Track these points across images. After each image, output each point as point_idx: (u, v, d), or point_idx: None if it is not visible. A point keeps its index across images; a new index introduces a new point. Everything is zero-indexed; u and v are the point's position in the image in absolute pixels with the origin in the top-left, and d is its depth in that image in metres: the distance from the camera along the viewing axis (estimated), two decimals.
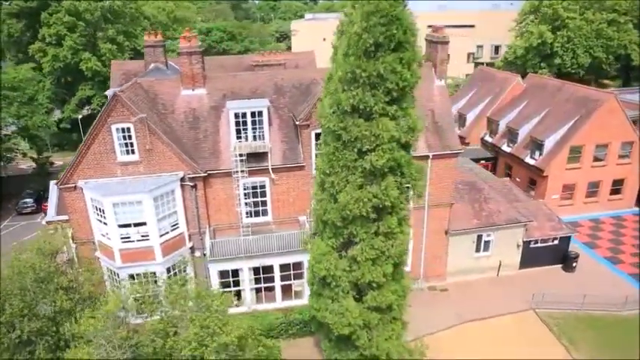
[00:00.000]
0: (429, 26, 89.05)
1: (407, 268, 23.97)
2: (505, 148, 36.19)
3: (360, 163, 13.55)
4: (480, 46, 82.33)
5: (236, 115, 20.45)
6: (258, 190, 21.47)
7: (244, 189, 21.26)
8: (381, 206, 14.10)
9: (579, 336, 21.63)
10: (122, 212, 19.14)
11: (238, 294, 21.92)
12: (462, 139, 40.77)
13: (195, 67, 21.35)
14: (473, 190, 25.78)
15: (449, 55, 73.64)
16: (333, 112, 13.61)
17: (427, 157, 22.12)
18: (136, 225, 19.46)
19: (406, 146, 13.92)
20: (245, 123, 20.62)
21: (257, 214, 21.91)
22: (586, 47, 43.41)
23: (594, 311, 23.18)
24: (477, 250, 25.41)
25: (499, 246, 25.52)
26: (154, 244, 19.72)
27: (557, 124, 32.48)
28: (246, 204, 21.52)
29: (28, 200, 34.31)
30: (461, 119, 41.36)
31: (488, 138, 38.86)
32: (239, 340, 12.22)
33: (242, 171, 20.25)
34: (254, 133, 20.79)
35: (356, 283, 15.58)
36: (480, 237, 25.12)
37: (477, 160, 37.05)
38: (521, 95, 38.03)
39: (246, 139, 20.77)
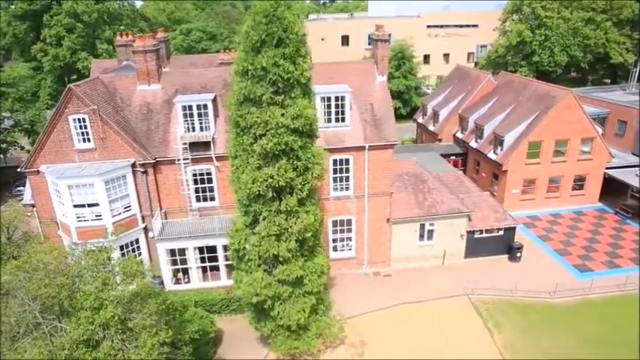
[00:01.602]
0: (429, 26, 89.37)
1: (350, 253, 25.69)
2: (473, 144, 37.20)
3: (255, 147, 15.25)
4: (483, 46, 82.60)
5: (183, 108, 22.37)
6: (205, 177, 23.35)
7: (193, 175, 23.18)
8: (278, 186, 15.73)
9: (505, 320, 22.73)
10: (77, 194, 21.29)
11: (186, 272, 23.88)
12: (434, 135, 42.11)
13: (150, 65, 23.40)
14: (417, 180, 27.07)
15: (448, 54, 74.22)
16: (234, 102, 15.36)
17: (364, 147, 23.63)
18: (89, 205, 21.60)
19: (300, 132, 15.50)
20: (192, 115, 22.53)
21: (205, 199, 23.78)
22: (562, 46, 43.82)
23: (527, 298, 24.21)
24: (421, 238, 26.67)
25: (443, 235, 26.72)
26: (106, 223, 21.81)
27: (517, 120, 33.38)
28: (195, 189, 23.44)
29: (22, 188, 37.06)
30: (435, 116, 42.45)
31: (459, 134, 39.89)
32: (134, 295, 14.01)
33: (186, 159, 22.17)
34: (200, 124, 22.67)
35: (267, 258, 17.24)
36: (423, 226, 26.38)
37: (446, 156, 38.27)
38: (492, 93, 38.94)
39: (193, 130, 22.68)
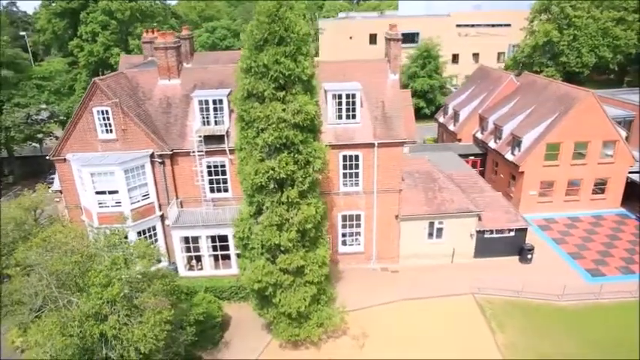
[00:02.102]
0: (459, 25, 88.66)
1: (359, 248, 26.24)
2: (492, 144, 36.92)
3: (258, 140, 16.03)
4: (515, 46, 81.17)
5: (200, 102, 23.43)
6: (219, 169, 24.36)
7: (207, 167, 24.24)
8: (279, 178, 16.47)
9: (509, 320, 22.74)
10: (99, 181, 22.70)
11: (199, 259, 25.01)
12: (454, 135, 41.94)
13: (170, 60, 24.60)
14: (428, 179, 27.29)
15: (477, 53, 73.37)
16: (239, 98, 16.19)
17: (373, 144, 24.09)
18: (110, 192, 22.98)
19: (301, 127, 16.17)
20: (208, 109, 23.57)
21: (218, 190, 24.81)
22: (591, 46, 42.65)
23: (533, 299, 24.11)
24: (430, 236, 26.88)
25: (452, 234, 26.85)
26: (125, 209, 23.14)
27: (536, 121, 32.97)
28: (209, 181, 24.50)
29: (54, 176, 39.29)
30: (455, 116, 42.25)
31: (479, 135, 39.62)
32: (141, 275, 15.05)
33: (200, 151, 23.22)
34: (215, 118, 23.69)
35: (270, 247, 18.03)
36: (432, 224, 26.59)
37: (465, 156, 38.12)
38: (513, 93, 38.48)
39: (209, 124, 23.71)
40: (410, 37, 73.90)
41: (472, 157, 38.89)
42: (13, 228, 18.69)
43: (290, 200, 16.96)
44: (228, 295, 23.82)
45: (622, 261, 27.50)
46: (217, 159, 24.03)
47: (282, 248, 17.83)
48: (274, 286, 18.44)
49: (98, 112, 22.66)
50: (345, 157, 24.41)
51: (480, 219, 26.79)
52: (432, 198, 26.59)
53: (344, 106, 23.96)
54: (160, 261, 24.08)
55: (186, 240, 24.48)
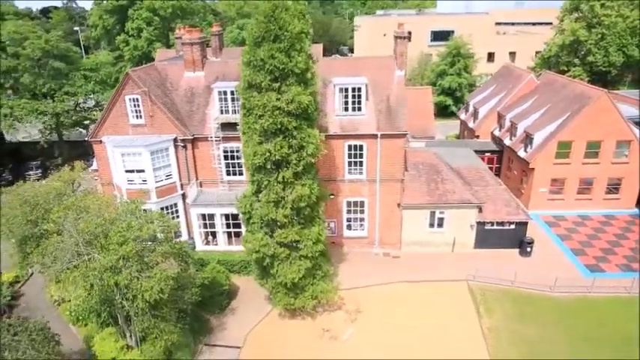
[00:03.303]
0: (498, 23, 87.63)
1: (363, 233, 28.03)
2: (507, 142, 37.49)
3: (256, 126, 18.21)
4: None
5: (219, 93, 25.89)
6: (235, 154, 26.76)
7: (224, 152, 26.72)
8: (275, 160, 18.59)
9: (498, 307, 23.88)
10: (128, 161, 25.68)
11: (214, 235, 27.61)
12: (472, 132, 42.64)
13: (195, 55, 27.23)
14: (432, 170, 28.61)
15: (514, 52, 72.63)
16: (241, 88, 18.42)
17: (376, 135, 25.76)
18: (137, 171, 25.92)
19: (295, 114, 18.18)
20: (226, 99, 25.99)
21: (234, 173, 27.25)
22: (619, 45, 41.94)
23: (525, 289, 25.06)
24: (432, 225, 28.21)
25: (453, 224, 28.08)
26: (150, 187, 26.02)
27: (549, 119, 33.39)
28: (225, 164, 26.99)
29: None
30: (475, 113, 42.90)
31: (496, 132, 40.17)
32: (150, 237, 17.62)
33: (217, 137, 25.71)
34: (233, 107, 26.08)
35: (268, 221, 20.23)
36: (433, 214, 27.93)
37: (481, 152, 38.85)
38: (532, 92, 38.77)
39: (227, 112, 26.15)
40: (444, 35, 73.96)
41: (488, 154, 39.50)
42: (54, 197, 21.81)
43: (285, 180, 19.03)
44: (238, 269, 26.24)
45: (624, 259, 27.78)
46: (233, 144, 26.39)
47: (278, 223, 19.96)
48: (272, 257, 20.60)
49: (130, 99, 25.59)
50: (350, 146, 26.22)
51: (480, 210, 27.85)
52: (434, 189, 27.91)
53: (350, 99, 25.74)
54: (180, 235, 27.09)
55: (204, 217, 27.14)
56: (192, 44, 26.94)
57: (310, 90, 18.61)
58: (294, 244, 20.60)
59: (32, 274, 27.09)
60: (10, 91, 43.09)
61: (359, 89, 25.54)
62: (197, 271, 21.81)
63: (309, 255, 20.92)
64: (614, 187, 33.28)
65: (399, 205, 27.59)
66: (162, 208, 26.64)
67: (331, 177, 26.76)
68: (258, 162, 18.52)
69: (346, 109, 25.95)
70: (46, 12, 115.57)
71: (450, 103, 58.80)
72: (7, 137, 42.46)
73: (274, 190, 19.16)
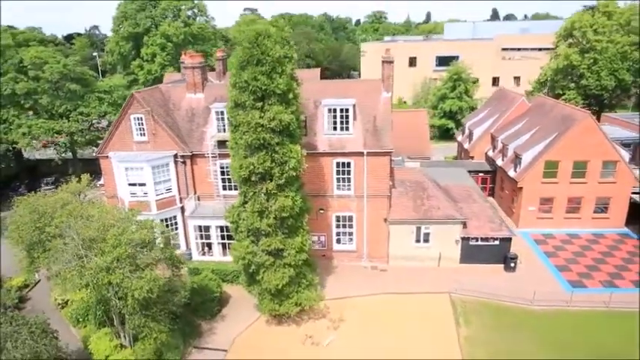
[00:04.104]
0: (504, 49, 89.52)
1: (352, 246, 29.29)
2: (499, 162, 38.64)
3: (241, 141, 19.94)
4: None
5: (216, 113, 27.86)
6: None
7: (220, 168, 28.50)
8: (258, 173, 20.23)
9: (476, 318, 24.72)
10: (131, 175, 27.65)
11: (210, 246, 29.16)
12: (467, 153, 43.88)
13: (196, 78, 29.40)
14: (418, 187, 29.89)
15: (519, 77, 74.02)
16: (229, 107, 20.28)
17: (362, 153, 27.30)
18: (140, 185, 27.83)
19: (277, 131, 19.87)
20: (223, 119, 27.88)
21: (230, 188, 28.90)
22: (610, 70, 43.10)
23: (505, 302, 25.87)
24: (418, 240, 29.31)
25: (438, 239, 29.15)
26: (151, 200, 27.87)
27: (538, 140, 34.54)
28: (222, 179, 28.74)
29: None
30: (470, 135, 44.20)
31: (490, 153, 41.36)
32: (142, 241, 19.23)
33: (214, 154, 27.55)
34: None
35: (253, 230, 21.75)
36: (419, 229, 29.08)
37: (476, 172, 40.06)
38: (524, 114, 40.05)
39: (224, 131, 28.03)
40: (449, 61, 75.69)
41: (482, 174, 40.66)
42: (60, 206, 23.68)
43: (269, 191, 20.61)
44: (231, 278, 27.62)
45: (608, 275, 28.40)
46: (229, 161, 28.11)
47: (263, 232, 21.45)
48: (258, 265, 22.01)
49: (134, 118, 27.72)
50: (338, 163, 27.77)
51: (465, 226, 28.91)
52: (420, 205, 29.15)
53: (338, 119, 27.44)
54: (179, 246, 28.73)
55: (200, 229, 28.78)
56: (193, 68, 29.15)
57: (292, 109, 20.32)
58: (279, 253, 21.99)
59: (40, 280, 28.93)
60: (30, 112, 45.96)
61: (346, 110, 27.24)
62: (191, 275, 23.25)
63: (293, 263, 22.25)
64: (603, 207, 34.00)
65: (385, 220, 28.84)
66: (162, 220, 28.40)
67: (321, 192, 28.24)
68: (244, 174, 20.17)
69: (335, 128, 27.63)
70: (70, 38, 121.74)
71: (451, 126, 60.21)
72: (25, 154, 45.12)
73: (259, 200, 20.73)
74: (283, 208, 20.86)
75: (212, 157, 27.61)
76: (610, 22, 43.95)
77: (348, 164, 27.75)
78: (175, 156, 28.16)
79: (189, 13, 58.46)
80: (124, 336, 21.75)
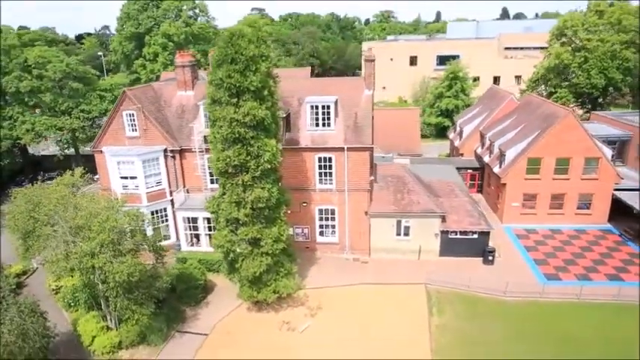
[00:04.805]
0: (507, 48, 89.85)
1: (334, 239, 30.33)
2: (486, 159, 39.34)
3: (218, 135, 21.12)
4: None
5: (204, 109, 29.03)
6: None
7: (207, 162, 29.70)
8: (234, 165, 21.38)
9: (450, 308, 25.60)
10: (123, 168, 29.02)
11: (198, 237, 30.44)
12: (456, 150, 44.63)
13: (186, 76, 30.69)
14: (399, 182, 30.82)
15: (520, 76, 74.10)
16: (207, 103, 21.48)
17: (343, 148, 28.32)
18: (131, 178, 29.19)
19: (251, 126, 20.99)
20: None
21: (217, 181, 30.02)
22: (600, 68, 43.42)
23: (479, 293, 26.70)
24: (398, 233, 30.24)
25: (418, 233, 30.04)
26: (141, 192, 29.21)
27: (522, 137, 35.21)
28: (209, 173, 29.97)
29: None
30: (460, 133, 44.91)
31: (479, 150, 42.06)
32: (121, 230, 20.52)
33: (201, 149, 28.80)
34: None
35: (231, 220, 22.92)
36: (399, 222, 30.00)
37: (465, 169, 40.84)
38: (512, 112, 40.69)
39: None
40: (449, 60, 76.19)
41: (471, 171, 41.40)
42: (58, 197, 25.09)
43: (245, 183, 21.75)
44: (217, 267, 28.80)
45: (583, 269, 29.04)
46: None
47: (240, 222, 22.61)
48: (236, 254, 23.20)
49: (126, 114, 29.08)
50: (320, 158, 28.83)
51: (444, 220, 29.77)
52: (400, 199, 30.08)
53: (320, 115, 28.50)
54: (169, 238, 30.06)
55: (188, 220, 30.05)
56: (183, 67, 30.45)
57: (267, 105, 21.42)
58: (256, 242, 23.12)
59: (37, 268, 30.46)
60: (38, 110, 47.76)
61: (328, 107, 28.29)
62: (178, 264, 24.57)
63: (270, 252, 23.34)
64: (586, 203, 34.53)
65: (366, 213, 29.82)
66: (152, 212, 29.80)
67: (304, 186, 29.34)
68: (221, 166, 21.35)
69: (317, 124, 28.69)
70: (80, 38, 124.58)
71: (447, 124, 60.80)
72: (30, 150, 46.92)
73: (236, 191, 21.89)
74: (259, 199, 21.97)
75: (199, 151, 28.83)
76: (600, 21, 44.31)
77: (330, 159, 28.79)
78: (165, 150, 29.47)
79: (191, 13, 59.94)
80: (110, 319, 23.10)
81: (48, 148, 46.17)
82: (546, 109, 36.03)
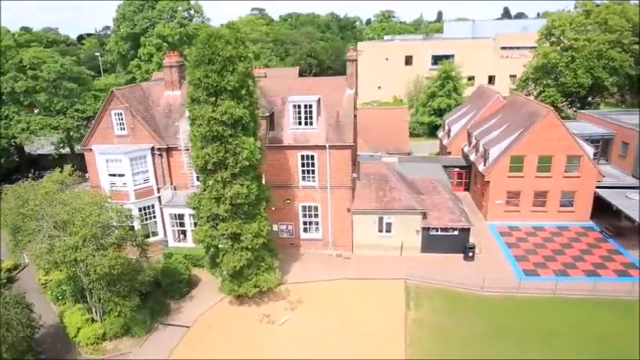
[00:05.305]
0: (503, 47, 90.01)
1: (317, 235, 30.97)
2: (472, 157, 39.91)
3: (197, 133, 21.83)
4: None
5: None
6: None
7: None
8: (213, 162, 22.07)
9: (427, 302, 26.19)
10: (111, 166, 29.78)
11: (184, 233, 31.18)
12: (445, 148, 45.20)
13: (174, 76, 31.43)
14: (382, 180, 31.44)
15: (515, 75, 74.21)
16: (187, 102, 22.19)
17: (325, 146, 28.98)
18: (119, 175, 29.94)
19: (228, 124, 21.67)
20: None
21: None
22: (587, 67, 43.89)
23: (458, 288, 27.30)
24: (380, 230, 30.86)
25: (400, 229, 30.65)
26: (129, 189, 29.96)
27: (506, 135, 35.77)
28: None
29: None
30: (448, 132, 45.46)
31: (466, 149, 42.62)
32: (104, 224, 21.28)
33: (186, 147, 29.49)
34: None
35: (212, 216, 23.62)
36: (381, 219, 30.62)
37: (451, 167, 41.45)
38: (498, 111, 41.23)
39: None
40: (443, 59, 76.58)
41: (457, 169, 41.97)
42: (43, 193, 25.87)
43: (224, 179, 22.45)
44: (202, 263, 29.36)
45: (562, 265, 29.56)
46: None
47: (220, 217, 23.31)
48: (217, 248, 23.91)
49: (115, 113, 29.83)
50: (302, 156, 29.50)
51: (425, 217, 30.37)
52: (382, 196, 30.71)
53: (302, 114, 29.17)
54: (157, 234, 30.79)
55: (175, 217, 30.79)
56: (170, 67, 31.19)
57: (244, 104, 22.11)
58: (237, 237, 23.81)
59: (28, 264, 31.27)
60: (36, 110, 48.66)
61: (310, 106, 28.96)
62: (164, 259, 25.38)
63: (250, 247, 24.03)
64: (568, 201, 35.04)
65: (348, 210, 30.47)
66: (140, 209, 30.54)
67: (287, 184, 30.02)
68: (200, 163, 22.05)
69: (299, 123, 29.37)
70: (81, 38, 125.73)
71: (440, 123, 61.26)
72: (27, 149, 47.81)
73: (215, 188, 22.59)
74: (238, 195, 22.64)
75: (185, 149, 29.54)
76: (587, 21, 44.77)
77: (312, 157, 29.45)
78: (152, 149, 30.20)
79: (185, 14, 60.73)
80: (95, 311, 23.85)
81: (43, 147, 46.99)
82: (530, 108, 36.57)
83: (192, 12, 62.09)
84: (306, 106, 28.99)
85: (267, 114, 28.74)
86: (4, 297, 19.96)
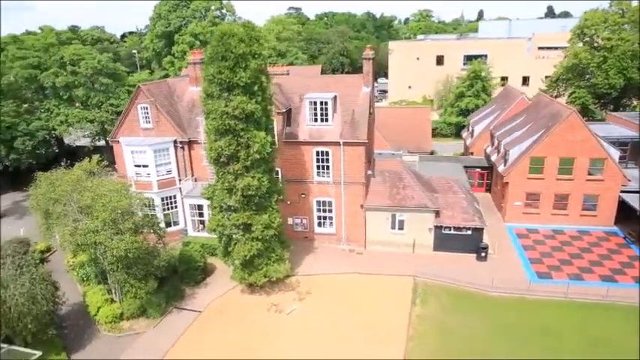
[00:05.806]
0: (540, 48, 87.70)
1: (331, 230, 31.66)
2: (494, 158, 39.45)
3: (211, 127, 22.92)
4: None
5: None
6: None
7: None
8: (226, 155, 23.12)
9: (434, 299, 26.33)
10: (137, 157, 31.46)
11: (203, 223, 32.51)
12: (467, 149, 44.82)
13: (197, 72, 32.73)
14: (396, 177, 31.69)
15: (549, 76, 72.48)
16: (202, 97, 23.33)
17: (339, 143, 29.56)
18: (144, 166, 31.59)
19: (240, 118, 22.64)
20: None
21: None
22: (619, 68, 42.26)
23: (467, 287, 27.28)
24: (393, 227, 31.15)
25: (412, 227, 30.84)
26: (152, 180, 31.56)
27: (527, 136, 35.21)
28: None
29: None
30: (472, 132, 44.97)
31: (488, 149, 42.11)
32: (123, 210, 22.68)
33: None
34: None
35: (224, 207, 24.72)
36: (394, 216, 30.90)
37: (472, 168, 41.11)
38: (522, 111, 40.51)
39: None
40: (476, 59, 75.29)
41: (479, 170, 41.53)
42: (73, 181, 27.75)
43: (235, 172, 23.46)
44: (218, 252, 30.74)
45: (578, 269, 28.96)
46: None
47: (232, 208, 24.35)
48: (229, 237, 24.98)
49: (141, 107, 31.49)
50: (317, 152, 30.19)
51: (437, 215, 30.44)
52: (396, 193, 30.98)
53: (318, 111, 29.84)
54: (178, 223, 32.30)
55: (194, 207, 32.17)
56: (194, 64, 32.57)
57: (257, 100, 23.01)
58: (247, 227, 24.79)
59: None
60: (77, 104, 51.53)
61: (326, 103, 29.59)
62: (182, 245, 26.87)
63: (261, 237, 24.93)
64: (591, 204, 34.10)
65: (362, 206, 30.92)
66: (162, 199, 32.12)
67: (302, 178, 30.80)
68: (213, 156, 23.15)
69: (315, 119, 30.06)
70: (124, 37, 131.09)
71: (467, 123, 60.50)
72: (66, 141, 50.77)
73: (227, 179, 23.63)
74: (249, 187, 23.59)
75: (205, 143, 30.78)
76: (622, 20, 43.16)
77: (327, 153, 30.08)
78: (175, 142, 31.67)
79: (218, 13, 62.58)
80: (115, 292, 25.42)
81: (80, 139, 49.79)
82: (552, 109, 35.82)
83: (224, 11, 63.90)
84: (322, 103, 29.65)
85: (284, 110, 29.59)
86: (31, 273, 21.68)
